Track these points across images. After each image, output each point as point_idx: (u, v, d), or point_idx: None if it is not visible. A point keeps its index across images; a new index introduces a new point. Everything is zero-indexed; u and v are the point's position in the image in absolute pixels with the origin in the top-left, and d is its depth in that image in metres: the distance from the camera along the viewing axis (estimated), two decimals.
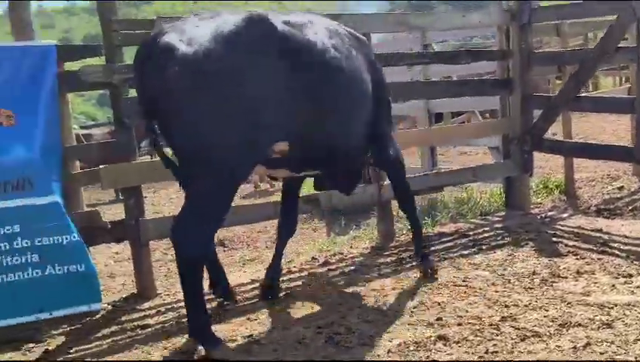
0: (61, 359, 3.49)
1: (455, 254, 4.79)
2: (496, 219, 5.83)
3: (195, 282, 3.23)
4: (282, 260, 4.35)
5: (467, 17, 5.82)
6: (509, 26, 5.80)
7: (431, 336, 3.31)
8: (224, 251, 6.23)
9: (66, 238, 3.97)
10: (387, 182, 5.29)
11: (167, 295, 4.48)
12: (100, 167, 4.26)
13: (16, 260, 3.88)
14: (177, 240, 3.19)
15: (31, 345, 3.72)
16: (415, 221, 4.47)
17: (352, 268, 4.72)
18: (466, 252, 4.83)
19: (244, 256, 5.88)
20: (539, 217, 5.74)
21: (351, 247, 5.33)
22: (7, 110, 3.93)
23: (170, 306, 4.20)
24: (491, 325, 3.40)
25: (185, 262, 3.20)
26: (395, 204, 5.97)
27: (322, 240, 6.06)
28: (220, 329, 3.64)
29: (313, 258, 5.14)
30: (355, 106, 3.73)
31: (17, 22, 4.31)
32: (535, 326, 3.35)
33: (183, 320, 3.91)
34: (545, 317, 3.47)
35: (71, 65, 4.43)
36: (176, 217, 3.29)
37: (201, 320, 3.30)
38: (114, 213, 6.80)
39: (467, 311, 3.62)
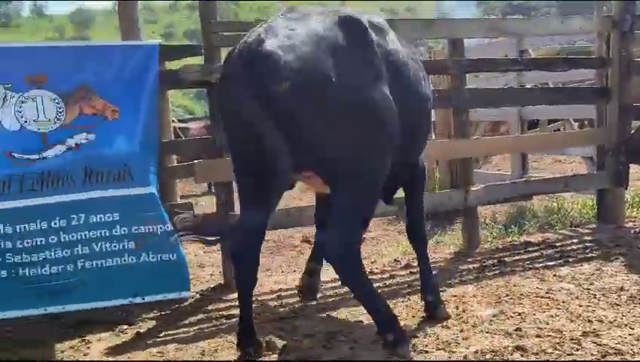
0: (151, 342, 3.71)
1: (540, 265, 4.72)
2: (587, 231, 5.68)
3: (366, 282, 3.27)
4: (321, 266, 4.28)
5: (566, 23, 5.69)
6: (609, 32, 5.64)
7: (508, 346, 3.29)
8: (309, 248, 6.34)
9: (160, 228, 4.16)
10: (474, 187, 5.29)
11: None
12: (195, 161, 4.47)
13: (115, 246, 4.11)
14: (337, 260, 3.13)
15: (124, 326, 3.97)
16: (425, 258, 3.89)
17: (434, 272, 4.72)
18: (551, 263, 4.74)
19: None
20: (632, 231, 5.55)
21: (434, 252, 5.34)
22: (113, 105, 4.17)
23: (254, 299, 4.34)
24: (572, 339, 3.34)
25: (348, 275, 3.19)
26: (481, 209, 5.96)
27: (406, 242, 6.06)
28: (300, 325, 3.77)
29: (395, 260, 5.19)
30: (424, 111, 3.60)
31: (125, 19, 4.56)
32: (618, 343, 3.27)
33: (266, 313, 4.07)
34: (630, 335, 3.37)
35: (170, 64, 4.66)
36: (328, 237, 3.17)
37: (389, 313, 3.29)
38: (206, 204, 7.07)
39: (548, 324, 3.58)
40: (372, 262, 5.17)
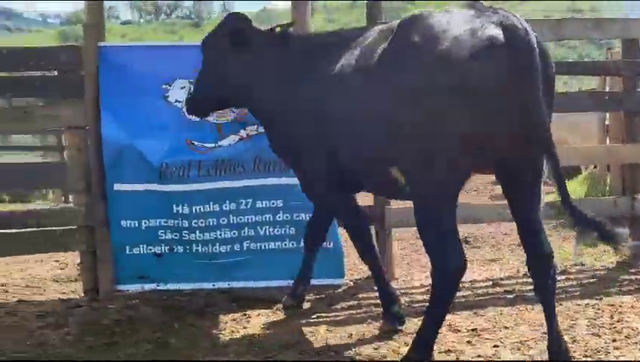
0: (304, 321, 3.97)
1: None
2: None
3: None
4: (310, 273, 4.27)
5: None
6: None
7: None
8: (466, 249, 6.33)
9: None
10: None
11: (404, 281, 4.78)
12: None
13: (277, 231, 4.44)
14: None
15: (280, 305, 4.27)
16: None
17: (591, 280, 4.59)
18: None
19: (484, 256, 5.94)
20: None
21: (595, 260, 5.16)
22: None
23: (404, 291, 4.49)
24: None
25: None
26: None
27: (569, 249, 5.90)
28: (446, 319, 3.83)
29: None
30: None
31: (297, 19, 4.85)
32: None
33: (415, 304, 4.19)
34: None
35: None
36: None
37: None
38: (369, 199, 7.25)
39: None
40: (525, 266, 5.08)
